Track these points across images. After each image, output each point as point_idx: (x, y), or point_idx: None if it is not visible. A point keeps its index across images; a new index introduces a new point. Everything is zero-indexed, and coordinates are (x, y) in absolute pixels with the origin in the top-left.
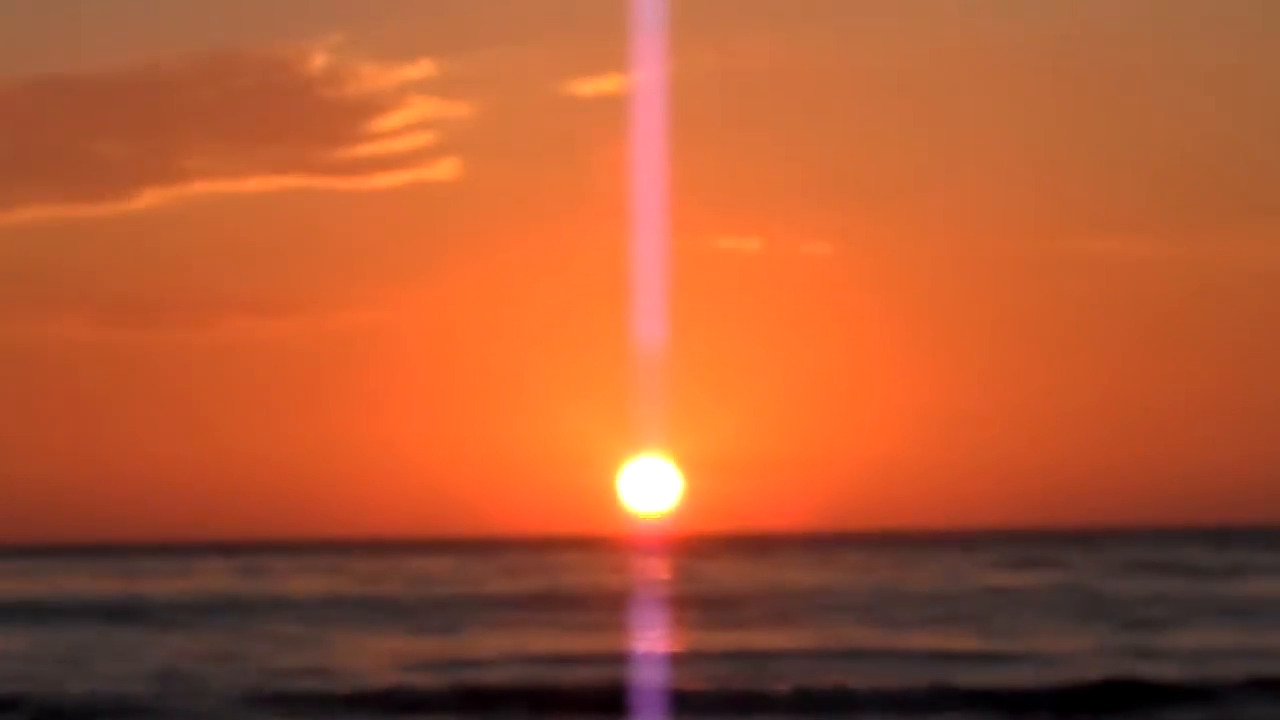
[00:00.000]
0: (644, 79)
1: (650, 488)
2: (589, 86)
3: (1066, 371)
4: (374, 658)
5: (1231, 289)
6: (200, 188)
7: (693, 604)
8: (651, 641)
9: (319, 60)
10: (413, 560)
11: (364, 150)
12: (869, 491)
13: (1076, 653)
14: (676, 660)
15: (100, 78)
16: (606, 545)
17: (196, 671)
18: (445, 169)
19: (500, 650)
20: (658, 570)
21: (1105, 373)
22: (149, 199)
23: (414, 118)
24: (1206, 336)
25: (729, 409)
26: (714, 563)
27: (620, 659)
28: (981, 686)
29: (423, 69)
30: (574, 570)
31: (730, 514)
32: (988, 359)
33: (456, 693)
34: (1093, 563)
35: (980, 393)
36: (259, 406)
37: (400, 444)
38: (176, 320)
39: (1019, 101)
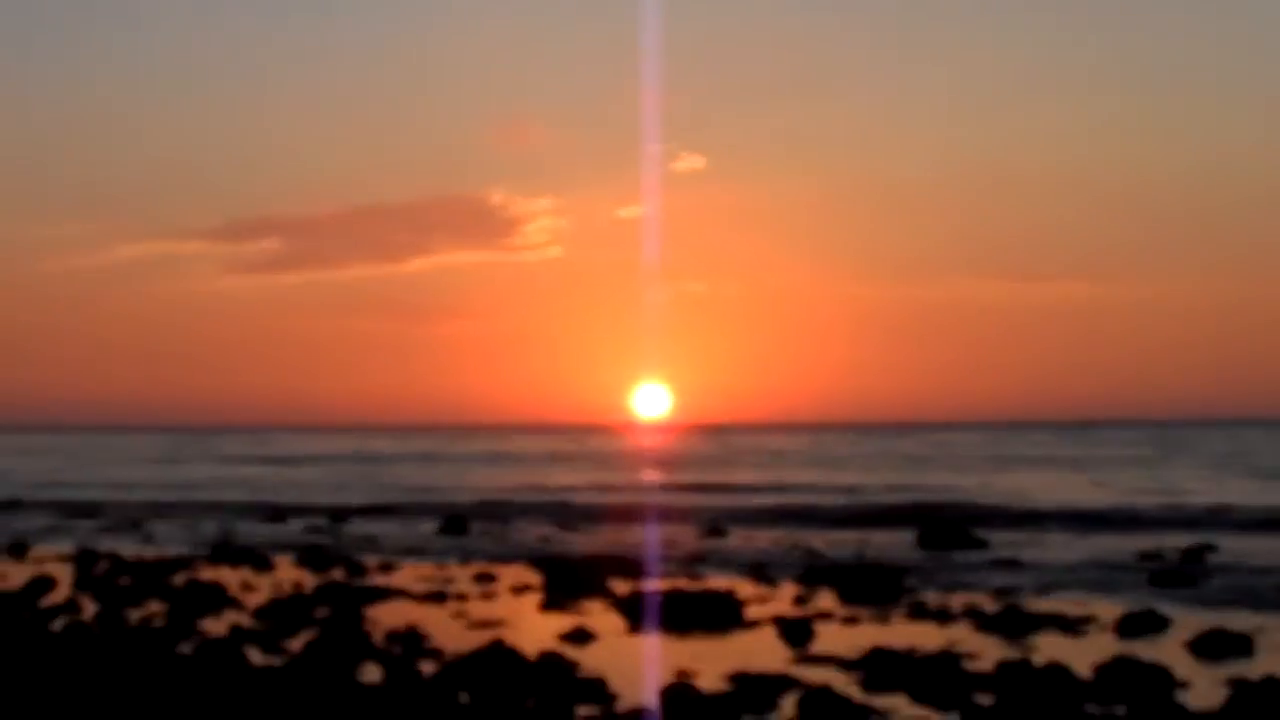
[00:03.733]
0: (652, 209)
1: (653, 401)
2: (626, 212)
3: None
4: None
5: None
6: (441, 257)
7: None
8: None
9: (497, 198)
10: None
11: (517, 241)
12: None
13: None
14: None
15: (393, 205)
16: (634, 430)
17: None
18: (555, 251)
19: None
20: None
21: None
22: (418, 263)
23: (541, 226)
24: (1027, 354)
25: (700, 363)
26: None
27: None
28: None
29: (544, 202)
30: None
31: (698, 412)
32: (858, 357)
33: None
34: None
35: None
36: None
37: (496, 391)
38: (434, 320)
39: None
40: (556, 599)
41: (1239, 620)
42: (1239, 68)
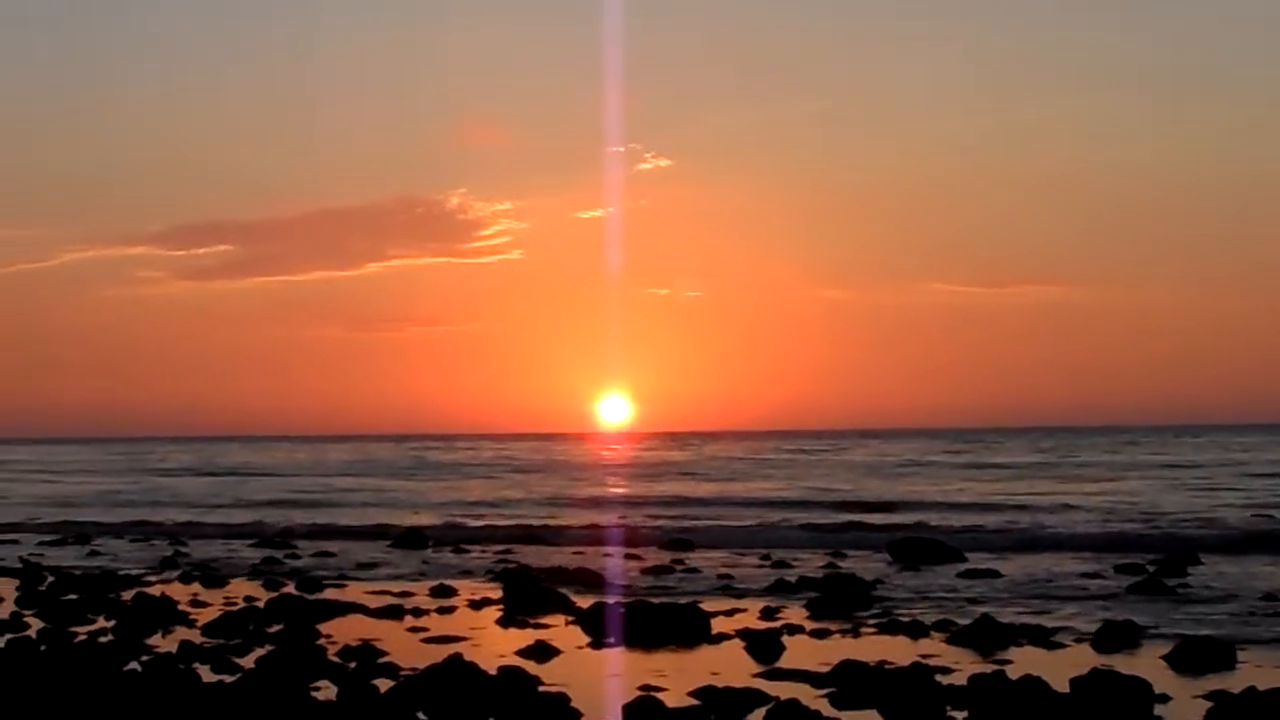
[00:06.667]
0: (615, 211)
1: (615, 409)
2: (588, 214)
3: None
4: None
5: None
6: (397, 262)
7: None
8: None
9: (454, 201)
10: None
11: (477, 245)
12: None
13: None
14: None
15: (349, 208)
16: (596, 438)
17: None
18: (515, 255)
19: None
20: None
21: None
22: (374, 268)
23: (501, 229)
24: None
25: (657, 375)
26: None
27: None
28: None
29: (505, 205)
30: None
31: (664, 420)
32: (808, 355)
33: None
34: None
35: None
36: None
37: (472, 399)
38: (390, 326)
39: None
40: (517, 614)
41: (1220, 632)
42: (1214, 71)
